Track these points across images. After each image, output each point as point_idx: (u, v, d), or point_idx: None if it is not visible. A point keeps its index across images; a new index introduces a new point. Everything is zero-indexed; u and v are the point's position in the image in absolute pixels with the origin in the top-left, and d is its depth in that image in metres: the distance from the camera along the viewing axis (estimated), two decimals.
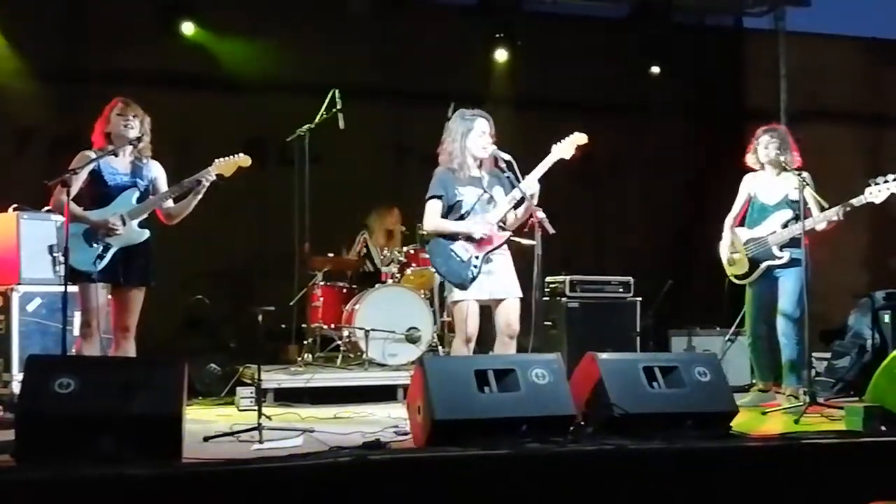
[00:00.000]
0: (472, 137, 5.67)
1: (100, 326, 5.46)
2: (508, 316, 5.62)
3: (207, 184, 5.62)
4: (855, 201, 6.31)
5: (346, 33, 9.28)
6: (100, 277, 5.44)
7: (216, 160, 5.70)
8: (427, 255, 7.82)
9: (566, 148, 5.65)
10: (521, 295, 5.65)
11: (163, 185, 5.74)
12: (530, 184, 5.52)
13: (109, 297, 5.58)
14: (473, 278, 5.54)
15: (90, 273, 5.41)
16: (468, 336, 5.57)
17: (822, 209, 6.42)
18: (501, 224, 5.67)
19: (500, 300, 5.62)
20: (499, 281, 5.61)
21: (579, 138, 5.66)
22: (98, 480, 3.84)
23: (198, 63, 8.87)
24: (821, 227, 6.43)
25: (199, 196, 5.65)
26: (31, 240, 6.75)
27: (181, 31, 8.79)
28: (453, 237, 5.61)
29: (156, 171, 5.75)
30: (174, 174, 5.80)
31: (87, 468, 3.92)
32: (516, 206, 5.66)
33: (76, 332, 5.83)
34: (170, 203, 5.71)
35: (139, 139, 5.58)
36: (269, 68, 9.01)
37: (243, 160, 5.76)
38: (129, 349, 5.56)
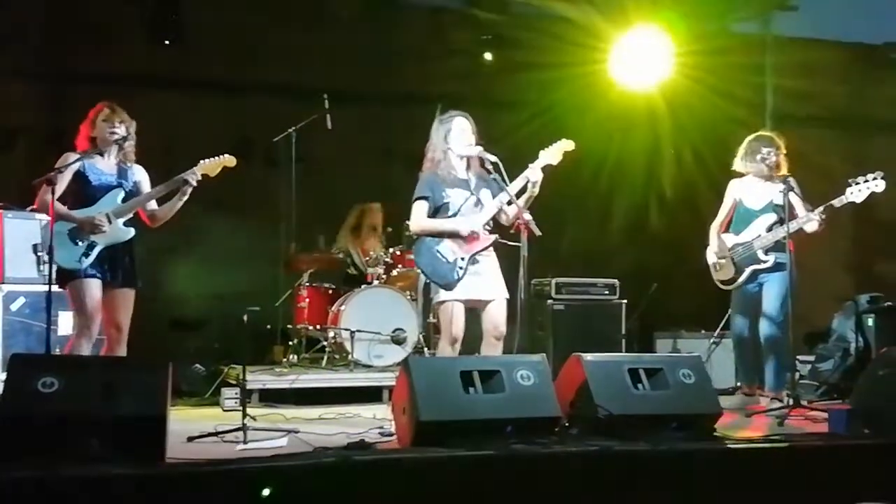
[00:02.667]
0: (452, 137, 5.68)
1: (96, 326, 5.44)
2: (495, 318, 5.62)
3: (193, 184, 5.61)
4: (836, 201, 6.35)
5: (333, 35, 9.26)
6: (89, 274, 5.42)
7: (201, 161, 5.70)
8: (413, 257, 7.85)
9: (554, 154, 5.66)
10: (507, 296, 5.65)
11: (146, 189, 5.75)
12: (534, 171, 5.53)
13: None
14: (459, 279, 5.54)
15: (78, 270, 5.39)
16: (454, 337, 5.57)
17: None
18: (488, 227, 5.68)
19: (487, 301, 5.62)
20: (485, 282, 5.61)
21: (566, 145, 5.69)
22: (81, 480, 3.83)
23: (184, 64, 8.85)
24: (809, 227, 6.44)
25: (185, 197, 5.65)
26: (15, 239, 6.73)
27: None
28: (439, 238, 5.61)
29: (139, 175, 5.76)
30: (161, 176, 5.78)
31: (71, 468, 3.91)
32: (509, 203, 5.62)
33: (60, 331, 5.81)
34: (154, 205, 5.71)
35: (125, 139, 5.58)
36: (257, 69, 9.00)
37: (228, 160, 5.77)
38: (122, 349, 5.54)
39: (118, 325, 5.55)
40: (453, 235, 5.61)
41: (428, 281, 5.72)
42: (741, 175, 6.87)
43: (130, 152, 5.68)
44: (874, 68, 10.93)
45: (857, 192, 6.30)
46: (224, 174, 5.81)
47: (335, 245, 8.68)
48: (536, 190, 5.53)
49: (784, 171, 6.66)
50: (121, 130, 5.58)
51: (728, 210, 6.92)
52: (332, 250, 8.62)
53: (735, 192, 6.88)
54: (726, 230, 6.92)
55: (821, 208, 6.36)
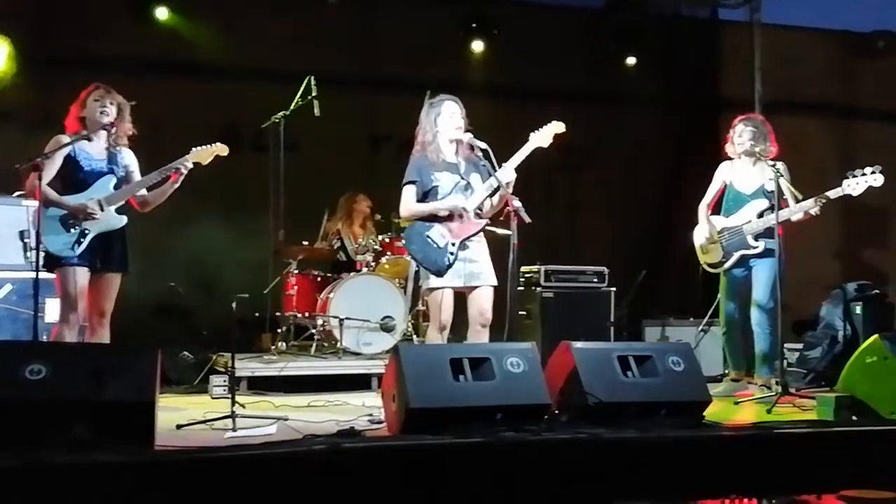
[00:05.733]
0: (442, 121, 5.65)
1: (81, 314, 5.41)
2: (481, 304, 5.60)
3: (185, 172, 5.59)
4: (832, 193, 6.32)
5: (322, 20, 9.23)
6: (78, 262, 5.39)
7: (193, 149, 5.68)
8: (402, 244, 7.84)
9: (544, 136, 5.63)
10: (495, 283, 5.63)
11: (136, 172, 5.71)
12: (507, 172, 5.51)
13: None
14: (450, 265, 5.52)
15: (69, 258, 5.36)
16: (442, 324, 5.55)
17: (797, 200, 6.45)
18: (478, 211, 5.66)
19: (474, 287, 5.60)
20: (475, 269, 5.59)
21: (557, 127, 5.65)
22: (70, 467, 3.81)
23: (172, 49, 8.81)
24: (796, 217, 6.45)
25: (177, 185, 5.62)
26: (2, 225, 6.69)
27: (155, 17, 8.77)
28: (430, 224, 5.59)
29: (129, 159, 5.71)
30: (148, 160, 5.76)
31: (59, 455, 3.89)
32: (492, 195, 5.64)
33: (48, 318, 5.76)
34: (144, 191, 5.67)
35: (112, 124, 5.54)
36: (245, 55, 8.97)
37: (220, 149, 5.75)
38: (105, 335, 5.52)
39: (101, 311, 5.52)
40: (443, 219, 5.58)
41: (419, 267, 5.70)
42: (730, 157, 6.87)
43: (122, 136, 5.64)
44: (862, 56, 10.96)
45: (855, 185, 6.26)
46: (213, 160, 5.79)
47: (325, 226, 8.67)
48: (510, 190, 5.49)
49: (773, 154, 6.66)
50: (111, 111, 5.54)
51: (716, 191, 6.91)
52: (322, 236, 8.62)
53: (725, 174, 6.88)
54: (714, 212, 6.92)
55: (814, 199, 6.33)
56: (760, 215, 6.62)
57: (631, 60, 10.10)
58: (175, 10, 8.80)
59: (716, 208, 6.93)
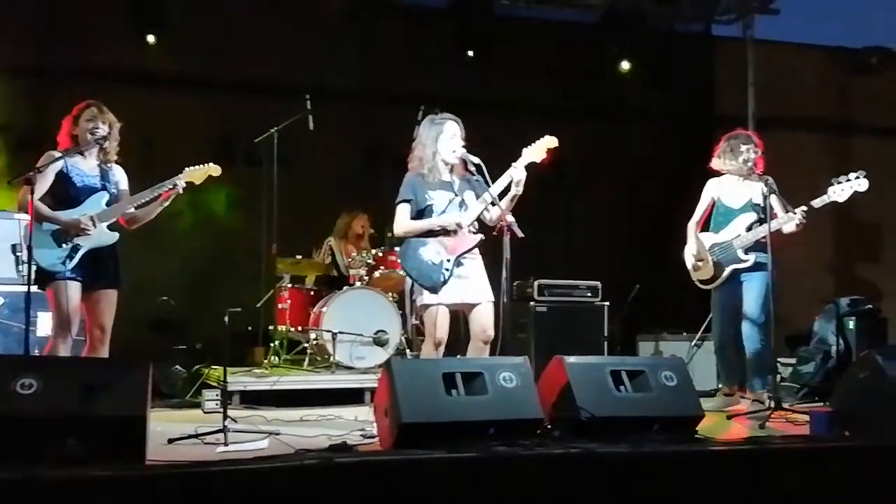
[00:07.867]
0: (442, 141, 5.64)
1: (74, 328, 5.40)
2: (483, 321, 5.58)
3: (179, 191, 5.60)
4: (817, 201, 6.33)
5: (318, 35, 9.25)
6: (70, 277, 5.37)
7: (186, 168, 5.69)
8: (395, 258, 7.83)
9: (536, 151, 5.63)
10: (493, 299, 5.62)
11: (126, 190, 5.72)
12: (518, 170, 5.49)
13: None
14: (445, 281, 5.51)
15: (60, 273, 5.34)
16: (438, 340, 5.54)
17: (787, 213, 6.45)
18: (473, 228, 5.65)
19: (474, 305, 5.58)
20: (470, 285, 5.58)
21: (550, 142, 5.65)
22: (60, 482, 3.79)
23: (167, 62, 8.82)
24: (787, 228, 6.42)
25: (167, 203, 5.63)
26: None
27: (151, 31, 8.78)
28: (424, 240, 5.58)
29: (119, 176, 5.72)
30: (141, 173, 5.76)
31: (49, 469, 3.87)
32: (501, 196, 5.58)
33: (39, 332, 5.73)
34: (133, 209, 5.66)
35: (105, 138, 5.54)
36: (240, 68, 8.98)
37: (213, 169, 5.76)
38: (104, 350, 5.50)
39: (102, 326, 5.51)
40: (438, 234, 5.58)
41: (413, 283, 5.68)
42: (718, 173, 6.87)
43: (112, 152, 5.64)
44: (856, 72, 11.01)
45: (840, 191, 6.29)
46: (208, 181, 5.80)
47: (319, 252, 8.66)
48: (521, 189, 5.49)
49: (761, 169, 6.66)
50: (104, 130, 5.54)
51: (705, 208, 6.91)
52: (318, 253, 8.62)
53: (713, 190, 6.88)
54: (703, 229, 6.93)
55: (803, 207, 6.34)
56: (749, 228, 6.61)
57: (626, 75, 10.12)
58: (171, 25, 8.80)
59: (705, 226, 6.93)
